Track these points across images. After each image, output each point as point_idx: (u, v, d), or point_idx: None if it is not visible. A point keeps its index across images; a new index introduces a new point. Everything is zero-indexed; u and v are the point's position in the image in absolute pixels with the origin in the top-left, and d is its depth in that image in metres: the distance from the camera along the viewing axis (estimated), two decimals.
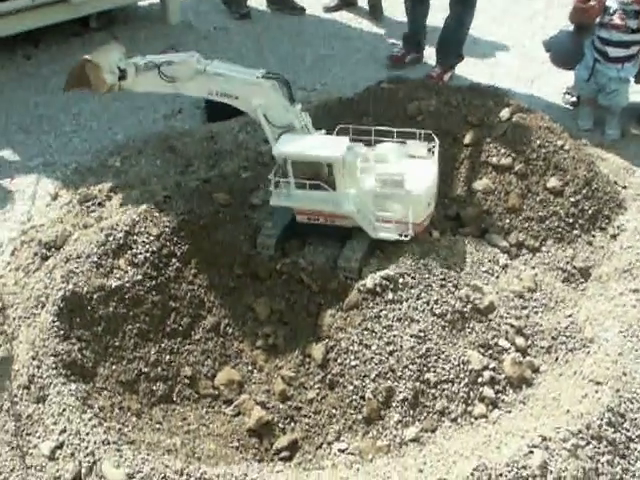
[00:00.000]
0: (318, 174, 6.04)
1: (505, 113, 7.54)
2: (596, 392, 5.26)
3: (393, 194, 6.06)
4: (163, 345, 5.98)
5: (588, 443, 4.90)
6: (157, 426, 5.42)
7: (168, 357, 5.96)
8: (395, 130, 6.46)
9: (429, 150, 6.51)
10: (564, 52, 9.48)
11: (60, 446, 5.00)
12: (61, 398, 5.18)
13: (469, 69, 10.61)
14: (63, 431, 5.02)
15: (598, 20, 8.78)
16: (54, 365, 5.38)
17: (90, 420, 5.03)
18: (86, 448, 4.88)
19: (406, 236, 6.07)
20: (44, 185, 8.26)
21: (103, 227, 6.34)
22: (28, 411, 5.28)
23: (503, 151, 7.23)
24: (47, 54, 11.18)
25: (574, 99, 9.71)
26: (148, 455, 4.83)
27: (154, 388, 5.77)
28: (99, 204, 7.00)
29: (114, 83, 6.29)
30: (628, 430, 5.07)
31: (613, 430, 5.02)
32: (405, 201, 6.03)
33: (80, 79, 6.30)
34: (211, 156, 7.64)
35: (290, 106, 6.05)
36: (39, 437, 5.14)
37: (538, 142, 7.29)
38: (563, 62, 9.63)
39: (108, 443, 4.87)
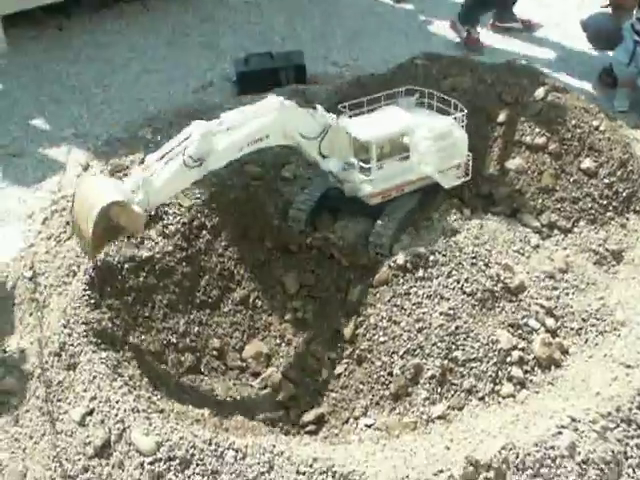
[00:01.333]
0: (399, 148, 6.15)
1: (540, 92, 7.42)
2: (627, 375, 5.21)
3: (446, 144, 6.21)
4: (192, 316, 6.01)
5: (617, 426, 4.86)
6: (185, 396, 5.46)
7: (197, 328, 6.00)
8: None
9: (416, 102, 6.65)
10: (601, 33, 9.34)
11: (90, 413, 5.04)
12: (92, 366, 5.22)
13: (504, 47, 10.47)
14: (93, 398, 5.06)
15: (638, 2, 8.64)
16: (85, 333, 5.42)
17: (120, 388, 5.06)
18: (116, 415, 4.92)
19: (467, 175, 6.49)
20: (75, 155, 8.31)
21: None
22: (59, 378, 5.33)
23: (537, 130, 7.14)
24: (79, 25, 11.22)
25: (610, 80, 9.55)
26: (177, 424, 4.85)
27: (182, 359, 5.81)
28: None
29: (144, 208, 5.20)
30: None
31: None
32: (457, 146, 6.30)
33: (108, 233, 5.23)
34: None
35: (312, 110, 5.89)
36: (69, 403, 5.19)
37: (573, 122, 7.18)
38: (600, 43, 9.50)
39: (137, 411, 4.90)
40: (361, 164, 5.95)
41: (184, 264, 6.15)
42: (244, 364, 5.94)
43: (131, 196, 5.07)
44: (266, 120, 5.46)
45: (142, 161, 7.05)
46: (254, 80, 9.10)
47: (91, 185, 5.20)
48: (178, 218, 6.28)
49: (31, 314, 5.98)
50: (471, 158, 6.53)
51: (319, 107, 5.92)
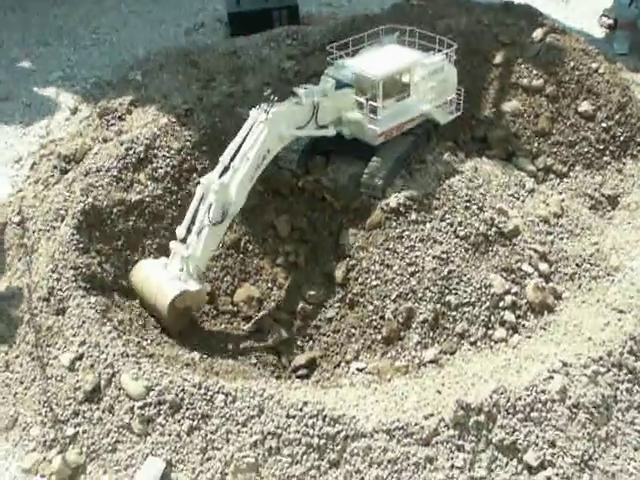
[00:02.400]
0: (401, 87, 6.12)
1: (538, 33, 7.27)
2: (619, 320, 5.20)
3: (439, 80, 6.18)
4: None
5: (608, 370, 4.86)
6: (175, 341, 5.43)
7: None
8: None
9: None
10: None
11: (80, 357, 5.03)
12: (81, 310, 5.19)
13: None
14: (83, 343, 5.04)
15: None
16: (74, 278, 5.37)
17: (109, 333, 5.04)
18: (105, 360, 4.90)
19: (458, 110, 6.45)
20: (63, 99, 8.16)
21: (123, 141, 6.25)
22: (48, 323, 5.30)
23: (535, 72, 7.00)
24: None
25: (610, 22, 9.37)
26: (167, 368, 4.84)
27: None
28: (119, 118, 6.89)
29: (199, 277, 5.48)
30: None
31: (634, 359, 4.96)
32: (449, 80, 6.27)
33: (182, 317, 5.43)
34: (234, 71, 7.45)
35: (295, 97, 5.71)
36: (59, 348, 5.17)
37: (572, 64, 7.04)
38: None
39: (127, 356, 4.89)
40: (371, 103, 5.86)
41: (174, 208, 6.08)
42: (235, 308, 5.89)
43: (183, 274, 5.38)
44: (260, 140, 5.40)
45: (131, 103, 6.97)
46: (246, 21, 8.89)
47: (149, 281, 5.49)
48: (167, 161, 6.18)
49: (20, 259, 5.91)
50: (462, 93, 6.45)
51: (300, 91, 5.77)
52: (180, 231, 5.49)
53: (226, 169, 5.38)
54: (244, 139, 5.43)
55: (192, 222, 5.42)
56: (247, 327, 5.76)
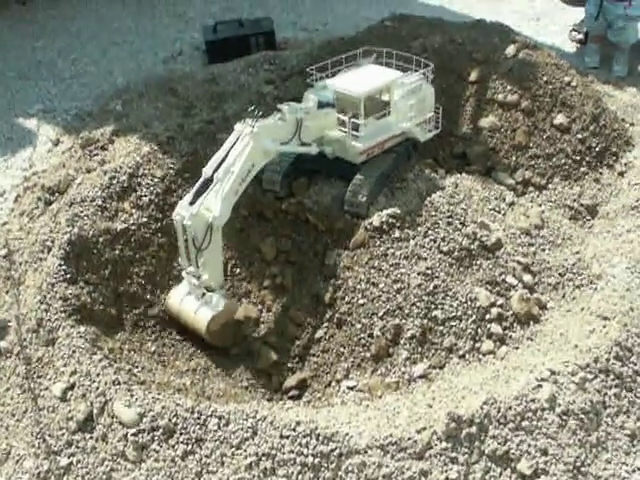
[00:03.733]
0: (380, 105, 6.21)
1: (511, 50, 7.41)
2: (604, 327, 5.26)
3: (418, 99, 6.25)
4: (171, 287, 5.97)
5: (596, 377, 4.91)
6: (167, 367, 5.45)
7: None
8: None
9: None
10: None
11: (71, 387, 5.01)
12: (70, 340, 5.19)
13: (474, 6, 10.42)
14: (74, 372, 5.03)
15: None
16: (62, 308, 5.38)
17: (100, 361, 5.04)
18: (97, 389, 4.90)
19: (437, 128, 6.53)
20: (45, 131, 8.18)
21: (106, 170, 6.29)
22: (38, 354, 5.29)
23: (509, 88, 7.13)
24: None
25: (581, 36, 9.56)
26: (159, 394, 4.85)
27: (163, 329, 5.79)
28: (101, 148, 6.93)
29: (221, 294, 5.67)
30: (635, 364, 5.08)
31: (620, 364, 5.02)
32: (427, 99, 6.35)
33: (223, 333, 5.68)
34: (213, 98, 7.53)
35: (279, 114, 5.80)
36: (50, 379, 5.15)
37: (545, 78, 7.18)
38: None
39: (119, 383, 4.89)
40: (353, 120, 5.94)
41: (159, 235, 6.11)
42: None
43: (206, 297, 5.54)
44: (245, 154, 5.43)
45: (113, 133, 7.02)
46: (224, 48, 8.99)
47: (183, 314, 5.67)
48: (151, 189, 6.22)
49: (7, 292, 5.91)
50: (440, 111, 6.54)
51: (284, 107, 5.84)
52: (183, 263, 5.58)
53: (205, 185, 5.38)
54: (227, 152, 5.45)
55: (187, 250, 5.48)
56: (234, 351, 5.80)
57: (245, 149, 5.42)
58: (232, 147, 5.46)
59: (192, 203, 5.32)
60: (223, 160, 5.42)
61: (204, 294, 5.58)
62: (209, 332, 5.56)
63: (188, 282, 5.63)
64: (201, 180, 5.42)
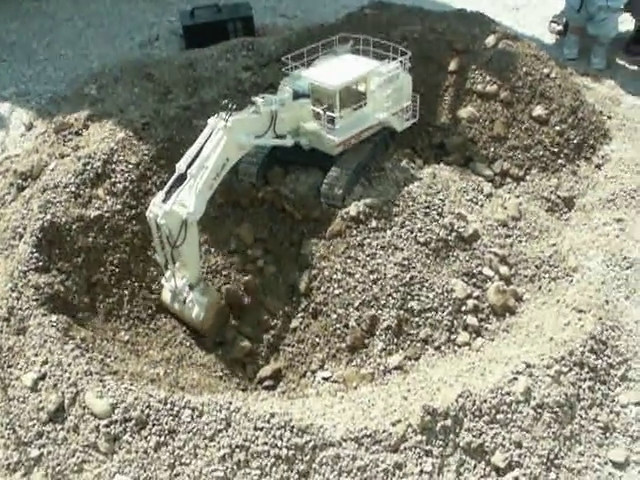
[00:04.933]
0: (356, 95, 6.14)
1: (491, 40, 7.38)
2: (579, 320, 5.27)
3: (395, 88, 6.18)
4: (144, 274, 5.91)
5: (570, 370, 4.93)
6: (141, 356, 5.39)
7: (150, 286, 5.90)
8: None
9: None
10: None
11: (42, 377, 4.93)
12: (42, 329, 5.10)
13: None
14: (45, 362, 4.95)
15: None
16: (34, 297, 5.29)
17: (72, 351, 4.96)
18: (68, 379, 4.83)
19: (414, 117, 6.49)
20: (18, 115, 8.04)
21: (80, 156, 6.19)
22: (8, 343, 5.19)
23: (488, 78, 7.10)
24: None
25: (560, 28, 9.55)
26: (131, 385, 4.79)
27: (136, 317, 5.73)
28: (76, 133, 6.82)
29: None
30: (609, 357, 5.10)
31: (595, 357, 5.04)
32: (404, 88, 6.29)
33: (216, 320, 5.76)
34: (190, 83, 7.44)
35: (253, 106, 5.71)
36: (20, 369, 5.07)
37: (524, 70, 7.16)
38: None
39: (91, 374, 4.82)
40: (328, 113, 5.88)
41: (134, 222, 6.03)
42: None
43: (189, 298, 5.60)
44: (218, 149, 5.34)
45: (88, 118, 6.91)
46: (201, 33, 8.89)
47: (175, 312, 5.82)
48: (126, 175, 6.13)
49: None
50: (418, 100, 6.50)
51: (258, 100, 5.75)
52: (160, 260, 5.56)
53: (178, 182, 5.31)
54: (201, 147, 5.38)
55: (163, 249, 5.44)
56: (211, 339, 5.76)
57: (219, 144, 5.34)
58: (206, 141, 5.37)
59: (165, 200, 5.23)
60: (197, 155, 5.33)
61: (185, 300, 5.65)
62: (205, 330, 5.70)
63: (168, 289, 5.69)
64: (175, 176, 5.33)
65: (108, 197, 6.03)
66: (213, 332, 5.76)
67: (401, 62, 6.25)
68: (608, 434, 4.78)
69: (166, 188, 5.33)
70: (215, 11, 9.17)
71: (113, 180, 6.10)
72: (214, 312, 5.69)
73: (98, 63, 8.82)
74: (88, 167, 6.07)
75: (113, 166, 6.15)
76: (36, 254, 5.52)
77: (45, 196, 5.87)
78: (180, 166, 5.35)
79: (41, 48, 9.30)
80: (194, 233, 5.39)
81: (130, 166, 6.20)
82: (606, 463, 4.65)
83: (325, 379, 5.43)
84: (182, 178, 5.31)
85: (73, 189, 5.94)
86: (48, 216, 5.71)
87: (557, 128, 7.01)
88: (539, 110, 7.02)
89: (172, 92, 7.34)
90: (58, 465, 4.66)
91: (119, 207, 6.01)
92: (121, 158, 6.19)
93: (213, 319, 5.70)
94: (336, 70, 6.06)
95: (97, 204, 5.96)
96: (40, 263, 5.50)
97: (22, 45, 9.35)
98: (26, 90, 8.49)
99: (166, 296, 5.80)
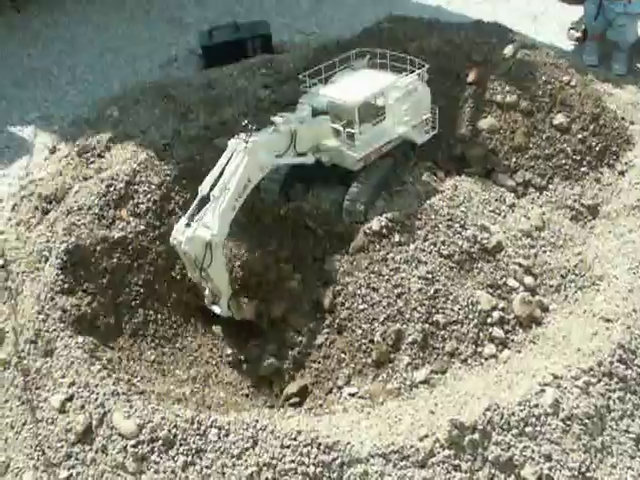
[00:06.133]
0: (376, 111, 6.15)
1: (509, 50, 7.36)
2: (607, 329, 5.22)
3: (414, 101, 6.20)
4: (169, 294, 5.93)
5: (599, 380, 4.87)
6: (167, 376, 5.41)
7: (174, 306, 5.93)
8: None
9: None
10: None
11: (70, 399, 4.97)
12: (69, 351, 5.15)
13: (471, 6, 10.36)
14: (72, 384, 4.99)
15: None
16: (60, 318, 5.34)
17: (99, 372, 5.00)
18: (96, 400, 4.86)
19: (434, 129, 6.46)
20: (41, 139, 8.14)
21: (103, 178, 6.25)
22: (36, 365, 5.24)
23: (508, 89, 7.07)
24: (37, 6, 10.93)
25: (579, 34, 9.49)
26: (158, 405, 4.81)
27: (161, 336, 5.76)
28: (98, 155, 6.88)
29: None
30: (639, 366, 5.03)
31: (624, 367, 4.98)
32: (422, 100, 6.29)
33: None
34: (210, 103, 7.48)
35: (273, 126, 5.76)
36: (48, 390, 5.11)
37: (544, 78, 7.13)
38: None
39: (118, 394, 4.85)
40: (347, 130, 5.88)
41: (157, 243, 6.06)
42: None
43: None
44: (240, 170, 5.37)
45: (110, 140, 6.97)
46: (220, 52, 8.93)
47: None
48: (149, 196, 6.18)
49: (4, 302, 5.86)
50: (437, 111, 6.49)
51: (277, 119, 5.80)
52: (193, 276, 5.61)
53: (201, 205, 5.34)
54: (223, 169, 5.41)
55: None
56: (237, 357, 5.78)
57: (240, 165, 5.38)
58: (227, 163, 5.41)
59: (188, 224, 5.28)
60: (219, 177, 5.37)
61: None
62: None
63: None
64: (197, 199, 5.37)
65: (131, 218, 6.08)
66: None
67: (419, 75, 6.24)
68: None
69: (189, 212, 5.36)
70: (233, 30, 9.23)
71: (136, 201, 6.15)
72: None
73: (118, 85, 8.90)
74: (111, 189, 6.13)
75: (136, 187, 6.20)
76: (62, 276, 5.59)
77: (69, 219, 5.94)
78: (203, 189, 5.38)
79: (62, 73, 9.42)
80: (219, 254, 5.42)
81: (152, 187, 6.25)
82: (639, 475, 4.58)
83: (351, 395, 5.40)
84: (204, 201, 5.35)
85: (97, 211, 6.00)
86: (73, 238, 5.77)
87: (579, 136, 6.97)
88: (560, 118, 6.98)
89: (192, 112, 7.39)
90: None
91: (142, 228, 6.05)
92: (143, 179, 6.24)
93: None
94: (354, 86, 6.08)
95: (121, 225, 6.02)
96: (66, 285, 5.56)
97: (44, 70, 9.48)
98: (49, 114, 8.60)
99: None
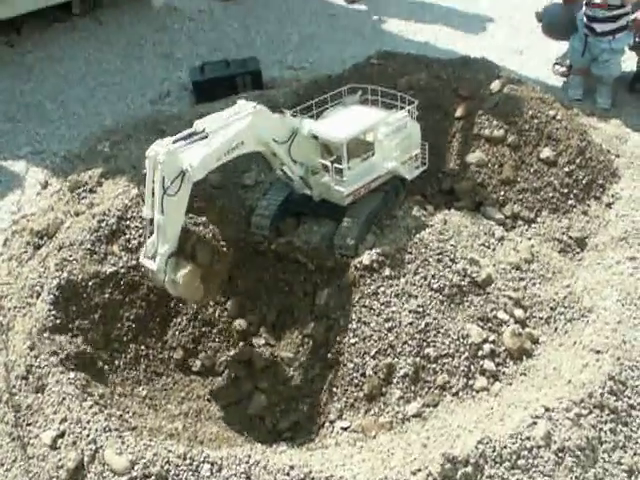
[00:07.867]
0: (365, 146, 6.17)
1: (496, 85, 7.47)
2: (597, 361, 5.25)
3: (403, 137, 6.21)
4: (161, 329, 5.94)
5: (590, 412, 4.90)
6: (159, 411, 5.40)
7: (167, 341, 5.94)
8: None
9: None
10: (556, 23, 9.44)
11: (61, 435, 4.95)
12: (60, 387, 5.13)
13: (458, 42, 10.54)
14: (64, 420, 4.97)
15: None
16: (52, 354, 5.33)
17: (91, 408, 4.99)
18: (88, 436, 4.84)
19: (424, 164, 6.52)
20: (33, 174, 8.20)
21: (95, 213, 6.28)
22: (27, 401, 5.23)
23: (495, 123, 7.18)
24: (30, 41, 11.05)
25: (564, 69, 9.67)
26: (150, 441, 4.79)
27: (153, 371, 5.76)
28: (90, 190, 6.92)
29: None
30: (630, 398, 5.07)
31: (615, 398, 5.01)
32: (412, 136, 6.32)
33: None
34: None
35: (280, 114, 5.86)
36: (40, 427, 5.09)
37: (530, 113, 7.23)
38: (555, 33, 9.59)
39: (109, 430, 4.83)
40: (336, 165, 5.93)
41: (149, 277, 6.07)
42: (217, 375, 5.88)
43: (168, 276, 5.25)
44: (241, 125, 5.38)
45: (102, 175, 7.01)
46: (211, 88, 9.06)
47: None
48: (140, 231, 6.21)
49: None
50: (427, 147, 6.56)
51: (286, 112, 5.90)
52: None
53: (189, 136, 5.18)
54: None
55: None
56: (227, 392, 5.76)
57: (242, 122, 5.37)
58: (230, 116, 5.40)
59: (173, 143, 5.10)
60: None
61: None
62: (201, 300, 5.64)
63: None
64: (188, 131, 5.25)
65: (123, 253, 6.10)
66: (214, 294, 5.66)
67: (408, 111, 6.33)
68: (633, 477, 4.73)
69: (176, 137, 5.16)
70: (224, 66, 9.36)
71: (128, 236, 6.18)
72: (195, 282, 5.30)
73: (111, 120, 8.99)
74: (103, 224, 6.16)
75: (127, 222, 6.23)
76: (54, 312, 5.59)
77: (61, 254, 5.95)
78: (197, 125, 5.29)
79: (55, 108, 9.50)
80: (186, 193, 5.17)
81: (144, 222, 6.27)
82: None
83: (344, 429, 5.40)
84: (193, 134, 5.21)
85: (89, 246, 6.02)
86: (65, 274, 5.78)
87: (566, 169, 7.05)
88: (547, 152, 7.07)
89: None
90: None
91: (134, 262, 6.07)
92: (135, 214, 6.28)
93: (198, 288, 5.33)
94: (343, 122, 6.14)
95: (112, 260, 6.04)
96: (58, 321, 5.56)
97: (36, 105, 9.56)
98: (41, 149, 8.67)
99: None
